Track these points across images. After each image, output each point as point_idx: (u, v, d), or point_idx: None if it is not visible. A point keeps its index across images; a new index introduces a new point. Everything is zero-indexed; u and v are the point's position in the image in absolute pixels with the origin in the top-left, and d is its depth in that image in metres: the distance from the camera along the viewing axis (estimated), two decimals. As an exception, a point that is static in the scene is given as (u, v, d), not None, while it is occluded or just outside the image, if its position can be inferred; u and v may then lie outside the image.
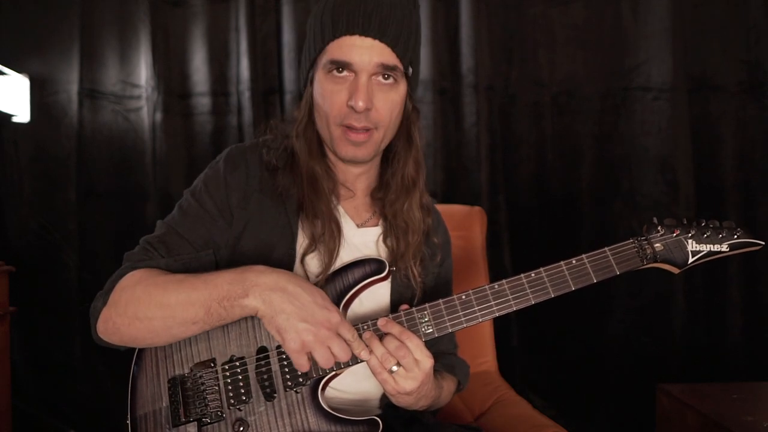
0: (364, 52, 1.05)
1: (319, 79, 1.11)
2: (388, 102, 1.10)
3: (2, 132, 2.48)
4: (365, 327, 1.06)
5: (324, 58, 1.08)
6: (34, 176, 2.48)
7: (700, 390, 1.86)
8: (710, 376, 2.39)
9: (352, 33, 1.05)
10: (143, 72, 2.47)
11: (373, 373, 1.03)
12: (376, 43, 1.05)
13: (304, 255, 1.14)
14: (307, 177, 1.15)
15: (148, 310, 1.02)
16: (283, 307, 0.98)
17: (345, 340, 1.00)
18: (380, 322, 1.05)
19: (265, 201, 1.16)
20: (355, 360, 1.06)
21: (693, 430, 1.72)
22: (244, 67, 2.45)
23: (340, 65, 1.07)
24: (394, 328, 1.03)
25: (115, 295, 1.06)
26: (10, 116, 2.35)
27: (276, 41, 2.49)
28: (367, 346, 1.02)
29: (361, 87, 1.06)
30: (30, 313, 2.43)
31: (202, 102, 2.49)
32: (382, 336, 1.04)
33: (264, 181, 1.17)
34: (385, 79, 1.09)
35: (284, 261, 1.14)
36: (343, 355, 1.00)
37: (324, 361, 0.99)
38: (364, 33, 1.05)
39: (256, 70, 2.46)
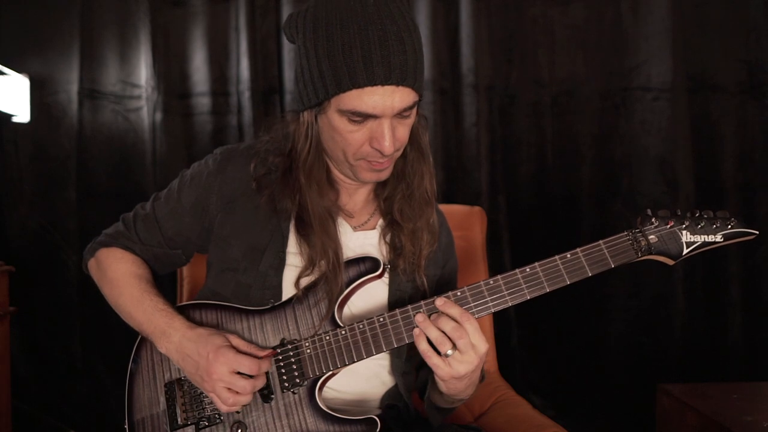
0: (387, 100, 1.00)
1: (332, 118, 1.05)
2: (407, 128, 1.09)
3: (2, 132, 2.48)
4: (416, 310, 1.05)
5: (340, 103, 1.01)
6: (34, 176, 2.48)
7: (700, 390, 1.85)
8: (710, 376, 2.39)
9: (373, 84, 0.98)
10: (143, 72, 2.47)
11: (423, 356, 1.01)
12: (398, 88, 1.00)
13: (299, 277, 1.13)
14: (319, 220, 1.13)
15: (107, 294, 1.24)
16: (183, 365, 1.09)
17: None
18: (438, 302, 1.03)
19: (253, 205, 1.17)
20: (351, 359, 1.06)
21: (693, 430, 1.72)
22: (244, 67, 2.44)
23: (362, 116, 1.02)
24: (454, 309, 1.01)
25: (95, 259, 1.27)
26: (10, 116, 2.34)
27: (276, 41, 2.48)
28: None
29: (386, 133, 1.02)
30: (30, 313, 2.44)
31: (202, 102, 2.49)
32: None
33: (253, 188, 1.17)
34: (405, 116, 1.06)
35: (274, 264, 1.15)
36: (247, 388, 1.02)
37: (222, 405, 1.03)
38: (385, 83, 0.98)
39: (256, 70, 2.45)
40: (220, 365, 1.01)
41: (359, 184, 1.20)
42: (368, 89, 0.99)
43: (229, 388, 1.01)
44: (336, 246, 1.13)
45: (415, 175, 1.18)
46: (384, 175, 1.14)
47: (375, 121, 1.03)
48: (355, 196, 1.23)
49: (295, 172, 1.14)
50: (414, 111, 1.08)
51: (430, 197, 1.21)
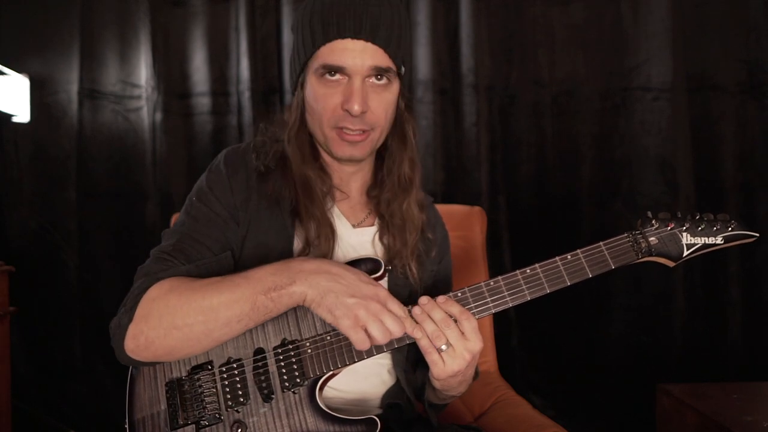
0: (357, 55, 1.04)
1: (311, 83, 1.10)
2: (382, 102, 1.10)
3: (2, 132, 2.48)
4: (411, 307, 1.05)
5: (315, 63, 1.07)
6: (34, 176, 2.49)
7: (700, 390, 1.85)
8: (710, 375, 2.39)
9: (343, 36, 1.03)
10: (143, 72, 2.47)
11: (423, 352, 1.01)
12: (369, 45, 1.04)
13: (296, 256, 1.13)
14: (300, 183, 1.14)
15: (188, 316, 0.99)
16: (330, 286, 0.97)
17: (396, 316, 0.98)
18: (439, 299, 1.03)
19: (262, 203, 1.16)
20: (352, 359, 1.06)
21: (693, 430, 1.72)
22: (244, 67, 2.45)
23: (333, 69, 1.05)
24: (454, 308, 1.01)
25: (143, 309, 1.01)
26: (10, 116, 2.35)
27: (276, 41, 2.49)
28: (417, 323, 1.01)
29: (356, 91, 1.05)
30: (30, 313, 2.44)
31: (202, 102, 2.49)
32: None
33: (259, 184, 1.17)
34: (379, 80, 1.08)
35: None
36: (397, 330, 0.97)
37: (380, 335, 0.96)
38: (356, 36, 1.03)
39: (256, 70, 2.46)
40: (380, 290, 0.99)
41: (350, 168, 1.21)
42: (339, 42, 1.04)
43: (380, 318, 0.97)
44: (322, 215, 1.13)
45: (394, 162, 1.20)
46: (358, 152, 1.13)
47: (348, 82, 1.06)
48: (349, 183, 1.23)
49: (287, 154, 1.16)
50: (393, 86, 1.11)
51: (407, 183, 1.20)
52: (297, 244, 1.15)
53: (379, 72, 1.07)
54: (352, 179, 1.23)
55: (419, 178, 1.22)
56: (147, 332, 1.00)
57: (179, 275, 1.05)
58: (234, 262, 1.12)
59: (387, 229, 1.20)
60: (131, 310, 1.02)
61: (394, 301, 1.00)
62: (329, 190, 1.19)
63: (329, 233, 1.13)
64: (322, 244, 1.12)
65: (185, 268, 1.06)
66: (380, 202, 1.22)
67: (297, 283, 0.97)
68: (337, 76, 1.07)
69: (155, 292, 1.02)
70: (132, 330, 1.01)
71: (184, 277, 1.05)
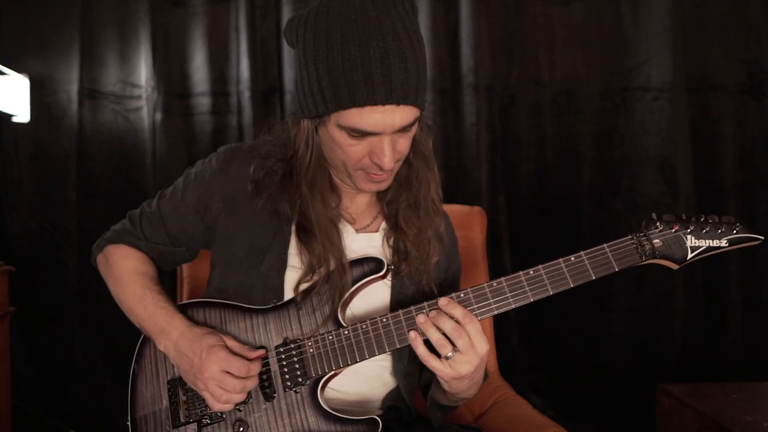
0: (387, 118, 0.98)
1: (333, 131, 1.03)
2: (408, 140, 1.08)
3: (2, 132, 2.48)
4: (419, 311, 1.05)
5: (340, 120, 1.00)
6: (34, 176, 2.48)
7: (700, 390, 1.85)
8: (710, 375, 2.39)
9: (374, 103, 0.96)
10: (143, 72, 2.47)
11: (422, 361, 1.02)
12: (399, 107, 0.98)
13: (299, 282, 1.13)
14: (323, 230, 1.12)
15: (112, 290, 1.24)
16: (178, 362, 1.11)
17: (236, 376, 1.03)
18: (441, 302, 1.03)
19: (256, 206, 1.16)
20: (354, 359, 1.06)
21: (693, 430, 1.72)
22: (244, 67, 2.44)
23: (362, 133, 1.01)
24: (457, 310, 1.02)
25: (104, 253, 1.28)
26: (10, 116, 2.34)
27: (276, 41, 2.48)
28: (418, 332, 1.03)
29: (386, 149, 1.01)
30: (30, 313, 2.44)
31: (202, 102, 2.49)
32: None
33: (256, 191, 1.17)
34: (406, 131, 1.05)
35: (275, 266, 1.15)
36: (237, 388, 1.02)
37: (215, 402, 1.03)
38: (386, 102, 0.96)
39: (256, 70, 2.45)
40: (211, 363, 1.02)
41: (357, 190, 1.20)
42: (368, 108, 0.97)
43: (221, 387, 1.02)
44: (340, 254, 1.12)
45: (421, 184, 1.18)
46: (384, 186, 1.13)
47: (375, 137, 1.02)
48: (357, 200, 1.23)
49: (296, 179, 1.14)
50: (416, 123, 1.07)
51: (438, 206, 1.21)
52: (293, 251, 1.16)
53: (408, 127, 1.03)
54: (361, 193, 1.22)
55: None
56: (102, 269, 1.30)
57: (139, 249, 1.26)
58: (189, 253, 1.29)
59: (399, 236, 1.19)
60: (103, 247, 1.29)
61: (232, 361, 1.03)
62: (336, 206, 1.18)
63: (340, 264, 1.12)
64: (323, 273, 1.12)
65: (144, 245, 1.26)
66: (394, 209, 1.20)
67: (160, 345, 1.13)
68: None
69: (114, 253, 1.26)
70: (100, 258, 1.30)
71: (141, 254, 1.26)
